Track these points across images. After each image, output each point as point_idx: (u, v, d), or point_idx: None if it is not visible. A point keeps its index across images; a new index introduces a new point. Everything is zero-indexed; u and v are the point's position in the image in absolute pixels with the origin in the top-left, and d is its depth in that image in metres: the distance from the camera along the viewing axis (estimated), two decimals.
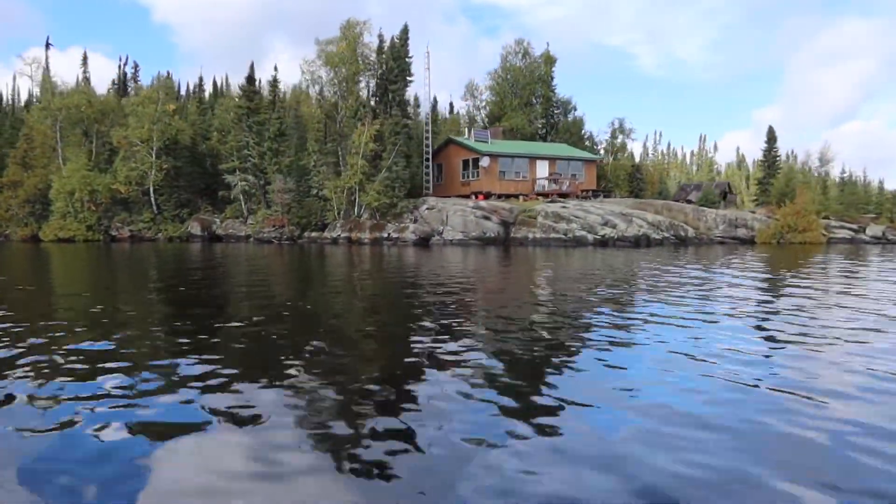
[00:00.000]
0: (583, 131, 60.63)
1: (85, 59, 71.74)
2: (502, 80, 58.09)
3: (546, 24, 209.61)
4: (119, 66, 72.87)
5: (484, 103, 59.46)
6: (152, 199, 47.58)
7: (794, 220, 36.70)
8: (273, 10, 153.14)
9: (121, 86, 68.75)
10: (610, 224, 34.09)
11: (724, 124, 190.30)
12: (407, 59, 50.24)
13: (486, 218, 35.18)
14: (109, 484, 2.34)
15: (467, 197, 42.63)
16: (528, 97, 56.45)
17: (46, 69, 71.79)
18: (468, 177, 44.20)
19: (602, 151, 59.90)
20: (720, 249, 28.20)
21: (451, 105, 79.02)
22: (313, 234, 39.21)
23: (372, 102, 43.32)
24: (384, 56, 43.69)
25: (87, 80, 69.38)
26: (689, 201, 52.12)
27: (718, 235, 37.18)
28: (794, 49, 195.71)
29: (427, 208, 36.61)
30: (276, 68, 48.66)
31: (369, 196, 35.51)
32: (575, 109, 65.46)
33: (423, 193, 44.39)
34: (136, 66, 70.59)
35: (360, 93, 43.63)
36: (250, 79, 48.68)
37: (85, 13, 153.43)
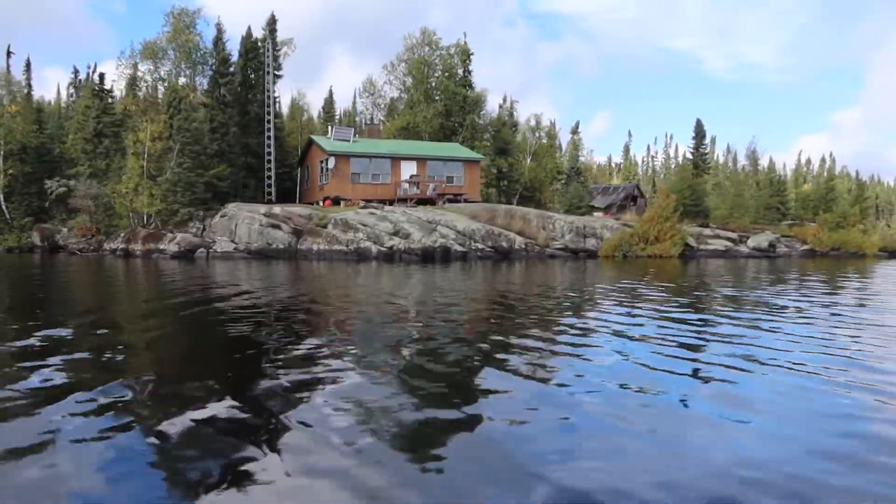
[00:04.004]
0: (503, 130, 54.94)
1: (28, 65, 70.48)
2: (404, 74, 53.22)
3: (609, 29, 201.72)
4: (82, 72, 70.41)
5: (385, 101, 54.75)
6: (2, 206, 44.84)
7: (647, 228, 30.70)
8: (333, 20, 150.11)
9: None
10: (402, 234, 28.94)
11: (798, 128, 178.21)
12: (275, 52, 46.28)
13: (276, 227, 30.55)
14: None
15: (314, 203, 38.17)
16: (426, 91, 51.29)
17: (8, 76, 70.83)
18: (323, 180, 39.63)
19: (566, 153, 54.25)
20: (528, 266, 22.96)
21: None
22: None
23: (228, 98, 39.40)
24: (219, 48, 39.65)
25: (29, 84, 68.07)
26: (593, 206, 46.29)
27: (558, 247, 31.42)
28: (876, 47, 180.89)
29: (221, 216, 32.23)
30: (137, 66, 45.12)
31: (139, 202, 31.39)
32: (510, 110, 60.39)
33: (265, 200, 40.05)
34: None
35: (197, 88, 39.77)
36: (101, 77, 45.53)
37: (151, 25, 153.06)
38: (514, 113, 61.81)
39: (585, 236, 32.19)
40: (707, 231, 33.25)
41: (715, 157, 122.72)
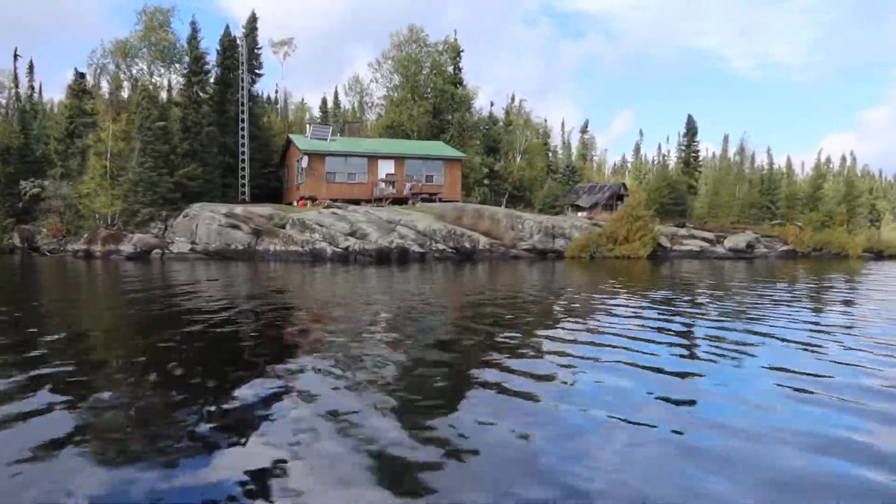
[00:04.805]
0: (494, 128, 53.92)
1: (31, 67, 70.88)
2: (390, 71, 52.49)
3: (632, 29, 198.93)
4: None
5: (374, 99, 54.10)
6: None
7: (616, 227, 29.63)
8: (353, 20, 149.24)
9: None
10: (359, 234, 28.21)
11: (823, 127, 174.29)
12: (254, 51, 45.91)
13: (235, 227, 30.01)
14: None
15: (292, 203, 37.65)
16: (413, 89, 50.48)
17: (15, 79, 71.35)
18: (299, 179, 39.08)
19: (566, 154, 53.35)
20: (481, 269, 22.28)
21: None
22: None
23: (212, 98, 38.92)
24: (192, 46, 39.25)
25: (32, 87, 68.45)
26: (579, 206, 45.19)
27: (525, 248, 30.46)
28: None
29: (183, 216, 31.79)
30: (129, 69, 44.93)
31: (96, 203, 31.05)
32: (517, 109, 59.45)
33: (239, 200, 39.60)
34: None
35: (173, 86, 39.43)
36: (81, 76, 45.43)
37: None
38: (522, 111, 60.90)
39: (554, 236, 31.17)
40: (682, 231, 32.03)
41: (729, 156, 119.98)
